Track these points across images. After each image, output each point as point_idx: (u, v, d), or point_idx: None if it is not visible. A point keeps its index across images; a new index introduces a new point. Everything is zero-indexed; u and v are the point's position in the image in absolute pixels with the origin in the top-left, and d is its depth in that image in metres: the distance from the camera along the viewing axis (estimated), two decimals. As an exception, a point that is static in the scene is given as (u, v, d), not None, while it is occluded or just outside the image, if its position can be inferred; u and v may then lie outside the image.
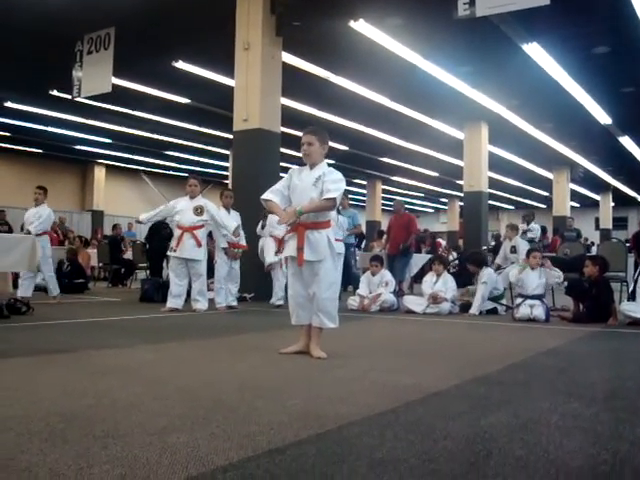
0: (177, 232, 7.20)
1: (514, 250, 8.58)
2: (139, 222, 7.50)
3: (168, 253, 7.42)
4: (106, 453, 1.82)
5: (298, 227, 3.85)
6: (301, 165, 4.05)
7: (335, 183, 3.84)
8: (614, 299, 6.64)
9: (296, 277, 3.96)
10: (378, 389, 2.87)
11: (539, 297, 6.83)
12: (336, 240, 8.04)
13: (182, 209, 7.21)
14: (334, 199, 3.81)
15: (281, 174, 7.71)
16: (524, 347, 4.65)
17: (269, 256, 7.86)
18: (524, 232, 11.08)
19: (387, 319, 6.94)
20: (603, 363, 3.96)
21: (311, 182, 3.87)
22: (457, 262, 14.26)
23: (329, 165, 4.01)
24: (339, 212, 8.64)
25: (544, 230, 15.84)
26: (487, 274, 7.49)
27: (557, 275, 6.96)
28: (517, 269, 7.04)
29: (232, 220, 7.42)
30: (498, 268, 8.56)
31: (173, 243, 7.24)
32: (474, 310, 7.31)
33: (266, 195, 4.00)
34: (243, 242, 7.80)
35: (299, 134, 4.17)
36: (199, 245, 7.17)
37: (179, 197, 7.63)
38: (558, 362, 3.86)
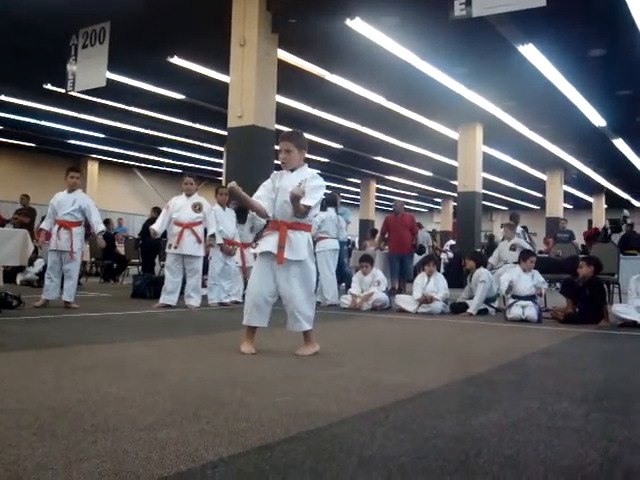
0: (176, 229, 7.16)
1: (514, 248, 8.38)
2: (155, 235, 7.30)
3: (167, 250, 7.35)
4: (95, 447, 1.81)
5: (281, 226, 3.81)
6: None
7: (315, 191, 3.78)
8: (607, 300, 6.68)
9: (264, 277, 3.83)
10: (369, 387, 2.86)
11: (531, 298, 6.86)
12: (330, 238, 8.15)
13: (180, 206, 7.25)
14: (309, 207, 3.74)
15: (275, 171, 7.68)
16: (515, 347, 4.67)
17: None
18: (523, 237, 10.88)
19: (379, 318, 6.94)
20: (594, 364, 3.97)
21: (294, 186, 3.74)
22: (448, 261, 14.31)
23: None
24: (337, 212, 8.64)
25: (526, 230, 15.88)
26: (485, 273, 7.53)
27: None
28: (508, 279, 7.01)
29: (227, 220, 7.55)
30: (491, 268, 8.55)
31: (172, 240, 7.20)
32: (472, 309, 7.33)
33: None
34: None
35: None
36: (199, 241, 7.21)
37: (173, 195, 7.68)
38: (549, 362, 3.87)
